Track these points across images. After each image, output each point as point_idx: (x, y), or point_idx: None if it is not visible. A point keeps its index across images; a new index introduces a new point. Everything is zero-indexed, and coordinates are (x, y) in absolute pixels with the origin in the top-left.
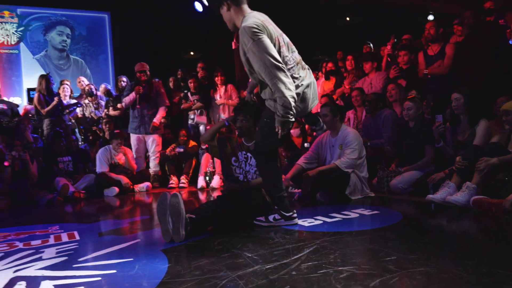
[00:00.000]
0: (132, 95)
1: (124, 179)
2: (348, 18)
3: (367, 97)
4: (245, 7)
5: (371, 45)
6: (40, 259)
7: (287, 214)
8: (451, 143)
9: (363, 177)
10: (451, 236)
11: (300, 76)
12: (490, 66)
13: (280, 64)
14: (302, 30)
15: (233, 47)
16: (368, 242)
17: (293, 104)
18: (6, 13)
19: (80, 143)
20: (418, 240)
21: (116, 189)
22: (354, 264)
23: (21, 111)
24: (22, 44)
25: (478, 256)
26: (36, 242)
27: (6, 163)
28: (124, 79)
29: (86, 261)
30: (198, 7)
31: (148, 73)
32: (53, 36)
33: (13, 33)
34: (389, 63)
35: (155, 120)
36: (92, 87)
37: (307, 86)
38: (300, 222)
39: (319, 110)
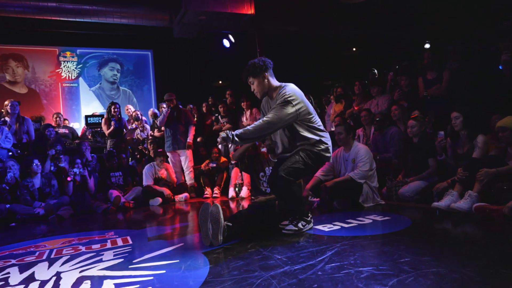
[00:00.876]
0: (163, 113)
1: (166, 191)
2: (354, 49)
3: (376, 116)
4: (275, 79)
5: (376, 71)
6: (100, 261)
7: (308, 219)
8: (452, 156)
9: (374, 186)
10: (457, 240)
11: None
12: (483, 88)
13: (272, 130)
14: (315, 60)
15: None
16: (383, 245)
17: (237, 143)
18: (68, 53)
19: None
20: (428, 243)
21: (160, 199)
22: (372, 265)
23: (79, 131)
24: (80, 79)
25: (484, 258)
26: (96, 246)
27: (69, 178)
28: (165, 105)
29: (139, 262)
30: (226, 43)
31: (174, 100)
32: (106, 71)
33: (73, 69)
34: (392, 87)
35: (188, 140)
36: (138, 113)
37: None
38: (320, 227)
39: (333, 129)
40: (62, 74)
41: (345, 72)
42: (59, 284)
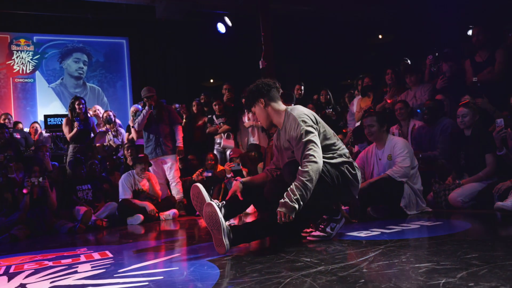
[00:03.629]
0: (143, 114)
1: (150, 206)
2: (380, 36)
3: (425, 104)
4: (281, 102)
5: (409, 61)
6: (75, 272)
7: (337, 218)
8: None
9: (417, 189)
10: None
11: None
12: None
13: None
14: (329, 53)
15: (261, 66)
16: (440, 245)
17: (304, 198)
18: (22, 41)
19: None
20: (496, 241)
21: (141, 217)
22: (431, 261)
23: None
24: (37, 73)
25: None
26: (66, 261)
27: (24, 190)
28: (140, 107)
29: (127, 271)
30: (221, 28)
31: (155, 97)
32: (69, 63)
33: (28, 61)
34: (432, 74)
35: (178, 143)
36: (111, 113)
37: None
38: (355, 233)
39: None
40: (15, 67)
41: (367, 66)
42: None
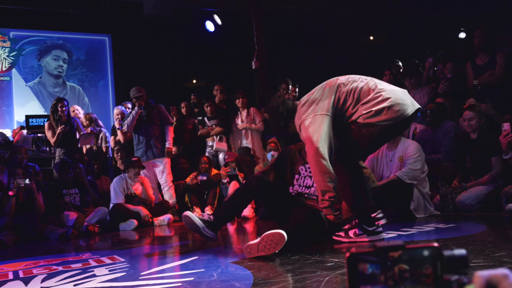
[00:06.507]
0: (133, 115)
1: (144, 210)
2: (371, 37)
3: (428, 107)
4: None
5: (400, 63)
6: (94, 276)
7: (370, 229)
8: None
9: (426, 193)
10: None
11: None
12: None
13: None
14: (323, 54)
15: (254, 66)
16: (464, 245)
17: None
18: None
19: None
20: None
21: (135, 222)
22: None
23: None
24: (14, 71)
25: None
26: (76, 265)
27: (10, 193)
28: (129, 105)
29: (151, 273)
30: (210, 27)
31: (145, 97)
32: (48, 61)
33: (4, 58)
34: (430, 77)
35: (168, 144)
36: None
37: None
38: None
39: None
40: None
41: (358, 69)
42: None
